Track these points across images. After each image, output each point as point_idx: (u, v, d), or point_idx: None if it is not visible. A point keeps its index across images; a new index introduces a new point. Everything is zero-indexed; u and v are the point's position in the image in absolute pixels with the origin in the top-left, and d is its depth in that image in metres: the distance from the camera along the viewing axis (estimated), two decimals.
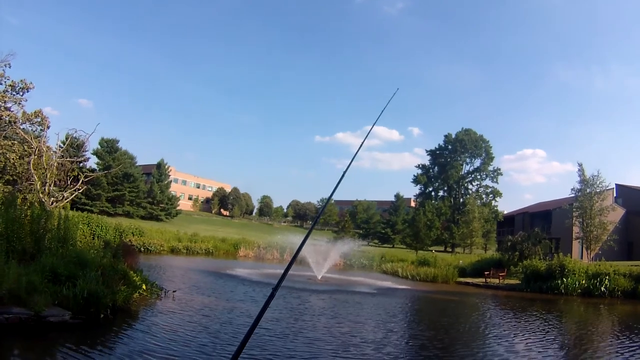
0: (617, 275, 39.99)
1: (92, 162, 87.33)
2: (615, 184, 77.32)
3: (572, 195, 59.39)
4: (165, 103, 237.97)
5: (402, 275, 52.23)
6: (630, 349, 18.09)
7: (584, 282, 40.13)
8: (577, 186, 57.55)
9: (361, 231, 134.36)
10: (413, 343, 18.13)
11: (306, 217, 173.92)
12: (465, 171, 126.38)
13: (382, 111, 7.11)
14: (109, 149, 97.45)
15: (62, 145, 33.88)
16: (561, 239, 68.70)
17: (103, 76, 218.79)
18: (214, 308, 20.75)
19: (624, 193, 78.26)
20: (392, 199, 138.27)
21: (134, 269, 22.44)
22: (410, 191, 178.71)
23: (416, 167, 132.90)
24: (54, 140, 37.20)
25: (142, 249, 49.96)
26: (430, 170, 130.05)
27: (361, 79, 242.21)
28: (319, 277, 41.05)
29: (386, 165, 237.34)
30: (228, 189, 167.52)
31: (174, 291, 23.37)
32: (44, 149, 30.18)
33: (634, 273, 40.03)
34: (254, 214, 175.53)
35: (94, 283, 15.87)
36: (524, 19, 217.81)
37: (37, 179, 28.34)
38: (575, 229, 61.06)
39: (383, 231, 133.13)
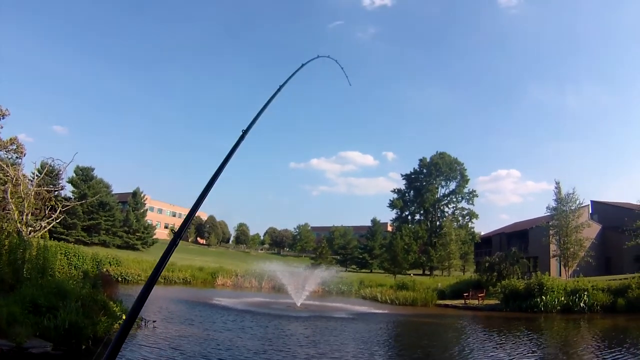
0: (595, 290, 40.37)
1: (68, 191, 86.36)
2: (591, 201, 78.22)
3: (548, 213, 59.94)
4: (140, 130, 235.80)
5: (382, 300, 52.20)
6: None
7: (563, 298, 40.45)
8: (553, 204, 58.13)
9: (339, 257, 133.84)
10: None
11: (283, 244, 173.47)
12: (441, 194, 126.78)
13: (295, 72, 6.96)
14: (84, 177, 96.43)
15: (38, 173, 33.56)
16: (539, 258, 69.07)
17: (78, 103, 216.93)
18: (194, 338, 20.59)
19: (600, 209, 79.05)
20: (369, 224, 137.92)
21: (113, 299, 22.26)
22: (387, 215, 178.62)
23: (392, 191, 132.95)
24: (29, 168, 36.74)
25: (120, 279, 49.46)
26: (406, 194, 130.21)
27: (335, 104, 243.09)
28: (299, 304, 40.96)
29: (362, 190, 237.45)
30: (204, 217, 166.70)
31: (153, 321, 23.12)
32: (21, 177, 29.94)
33: (613, 287, 40.45)
34: (230, 242, 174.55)
35: (74, 314, 15.73)
36: (496, 41, 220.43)
37: (14, 208, 28.07)
38: (553, 247, 61.53)
39: (361, 256, 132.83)
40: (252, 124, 5.08)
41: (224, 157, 4.62)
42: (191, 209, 4.07)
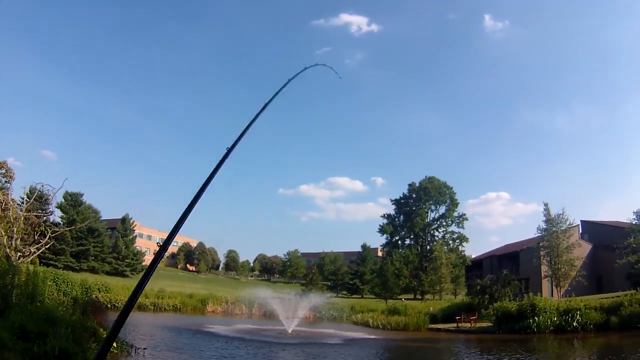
0: (588, 309, 40.24)
1: (57, 216, 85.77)
2: (581, 220, 78.36)
3: (539, 234, 60.14)
4: (130, 156, 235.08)
5: (373, 325, 52.05)
6: None
7: (555, 319, 40.28)
8: (543, 225, 58.34)
9: (329, 283, 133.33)
10: None
11: (273, 270, 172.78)
12: (431, 218, 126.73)
13: (282, 88, 6.95)
14: (73, 202, 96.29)
15: (27, 198, 33.34)
16: (530, 279, 69.08)
17: (67, 128, 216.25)
18: None
19: (590, 228, 79.26)
20: (359, 249, 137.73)
21: (103, 326, 22.00)
22: (377, 241, 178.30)
23: (381, 216, 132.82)
24: (18, 192, 36.44)
25: (109, 306, 49.00)
26: (396, 219, 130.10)
27: (323, 130, 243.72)
28: (290, 331, 40.74)
29: (351, 215, 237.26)
30: (194, 244, 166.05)
31: (144, 348, 22.88)
32: (10, 202, 29.71)
33: (605, 305, 40.36)
34: (220, 268, 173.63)
35: (64, 340, 15.54)
36: (484, 65, 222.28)
37: (3, 233, 27.80)
38: (544, 268, 61.55)
39: (351, 282, 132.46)
40: (237, 142, 5.08)
41: (208, 174, 4.64)
42: (176, 223, 4.02)
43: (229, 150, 4.91)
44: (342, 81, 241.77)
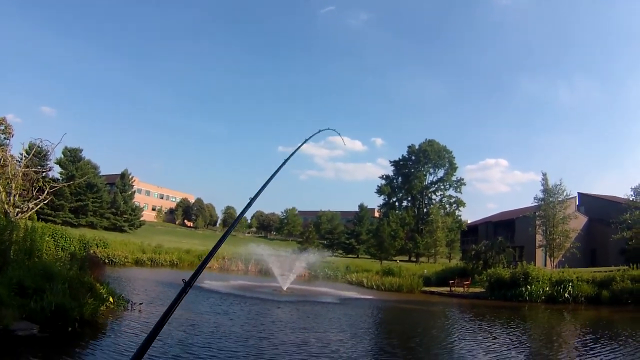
0: (580, 281, 40.54)
1: (55, 172, 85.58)
2: (578, 193, 78.71)
3: (535, 203, 60.24)
4: (129, 112, 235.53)
5: (368, 286, 52.42)
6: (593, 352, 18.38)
7: (547, 289, 40.64)
8: (540, 195, 58.44)
9: (325, 242, 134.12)
10: (382, 354, 18.24)
11: (270, 227, 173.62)
12: (429, 181, 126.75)
13: (301, 145, 7.17)
14: (72, 158, 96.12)
15: (26, 154, 33.35)
16: (525, 247, 69.59)
17: (66, 85, 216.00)
18: (182, 320, 20.54)
19: (586, 201, 79.68)
20: (356, 209, 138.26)
21: (100, 281, 22.20)
22: (374, 201, 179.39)
23: (380, 177, 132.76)
24: (17, 149, 36.38)
25: (107, 261, 49.27)
26: (394, 181, 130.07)
27: (325, 89, 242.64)
28: (285, 288, 40.98)
29: (349, 175, 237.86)
30: (192, 200, 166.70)
31: (140, 303, 23.04)
32: (9, 158, 29.69)
33: (597, 279, 40.66)
34: (217, 224, 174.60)
35: (61, 296, 15.69)
36: (489, 33, 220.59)
37: (1, 189, 27.80)
38: (539, 237, 61.95)
39: (347, 242, 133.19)
40: (259, 194, 5.24)
41: (231, 224, 4.87)
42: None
43: (252, 200, 5.07)
44: (345, 42, 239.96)
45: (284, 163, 6.14)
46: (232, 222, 4.64)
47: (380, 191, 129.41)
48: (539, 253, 64.76)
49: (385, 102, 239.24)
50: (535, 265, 49.56)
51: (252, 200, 5.06)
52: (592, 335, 24.13)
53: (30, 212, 28.49)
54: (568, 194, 58.55)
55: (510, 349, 19.52)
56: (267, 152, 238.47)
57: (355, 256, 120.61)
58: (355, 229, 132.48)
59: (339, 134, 8.93)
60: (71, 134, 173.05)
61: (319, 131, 7.89)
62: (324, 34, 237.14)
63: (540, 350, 20.31)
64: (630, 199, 52.87)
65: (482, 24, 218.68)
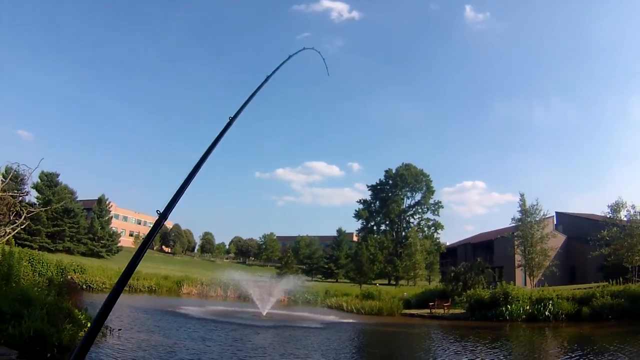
0: (560, 299, 40.74)
1: (32, 196, 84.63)
2: (555, 212, 79.62)
3: (513, 224, 60.60)
4: (106, 138, 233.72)
5: (347, 310, 52.24)
6: None
7: (528, 307, 40.78)
8: (518, 215, 58.71)
9: (304, 267, 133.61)
10: None
11: (249, 253, 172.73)
12: (407, 205, 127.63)
13: (282, 64, 7.08)
14: (49, 183, 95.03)
15: (3, 178, 32.97)
16: (504, 268, 69.81)
17: (43, 109, 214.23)
18: (159, 346, 20.27)
19: (564, 220, 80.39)
20: (335, 234, 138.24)
21: (78, 307, 21.90)
22: (352, 226, 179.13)
23: (357, 202, 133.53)
24: None
25: (85, 287, 48.80)
26: (372, 205, 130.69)
27: (301, 115, 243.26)
28: (264, 313, 40.76)
29: (327, 200, 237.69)
30: (169, 226, 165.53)
31: (119, 329, 22.77)
32: None
33: (577, 296, 40.97)
34: (195, 250, 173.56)
35: (39, 321, 15.41)
36: (463, 56, 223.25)
37: None
38: (518, 257, 62.18)
39: (326, 266, 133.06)
40: (239, 112, 5.13)
41: (209, 144, 4.66)
42: (177, 191, 3.98)
43: (232, 120, 4.94)
44: (320, 67, 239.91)
45: (265, 80, 6.08)
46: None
47: (358, 215, 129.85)
48: (519, 273, 64.98)
49: (361, 127, 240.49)
50: (515, 284, 49.66)
51: (232, 119, 4.95)
52: (579, 351, 24.17)
53: (7, 237, 28.09)
54: (545, 213, 59.03)
55: None
56: (244, 178, 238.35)
57: (335, 280, 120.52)
58: (334, 254, 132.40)
59: (319, 52, 9.00)
60: (48, 159, 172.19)
61: (303, 49, 8.31)
62: (300, 59, 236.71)
63: None
64: (608, 216, 53.32)
65: (456, 47, 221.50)
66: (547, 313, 39.65)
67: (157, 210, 3.78)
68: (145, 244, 3.60)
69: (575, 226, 75.23)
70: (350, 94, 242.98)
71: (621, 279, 43.38)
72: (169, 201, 3.84)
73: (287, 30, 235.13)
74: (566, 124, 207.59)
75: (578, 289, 45.34)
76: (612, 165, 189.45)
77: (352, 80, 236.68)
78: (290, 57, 7.39)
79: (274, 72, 6.60)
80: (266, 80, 6.08)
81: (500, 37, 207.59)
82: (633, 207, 52.37)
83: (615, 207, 52.94)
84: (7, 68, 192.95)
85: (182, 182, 4.05)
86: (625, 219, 52.56)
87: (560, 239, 70.73)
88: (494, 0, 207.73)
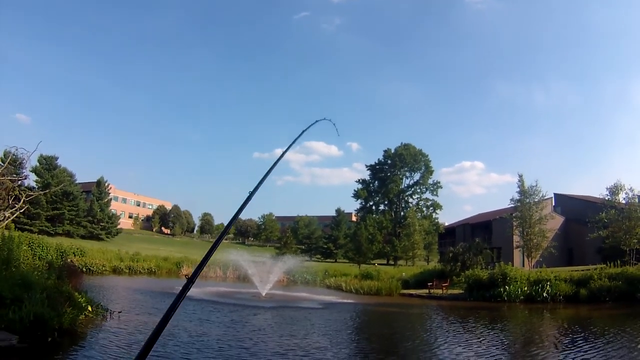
0: (558, 280, 40.89)
1: (31, 180, 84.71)
2: (554, 194, 79.55)
3: (512, 205, 60.69)
4: (104, 120, 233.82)
5: (346, 290, 52.31)
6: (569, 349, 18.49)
7: (526, 288, 40.92)
8: (517, 196, 58.89)
9: (303, 247, 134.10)
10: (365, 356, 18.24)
11: (248, 233, 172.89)
12: (405, 185, 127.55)
13: (299, 136, 7.19)
14: (47, 166, 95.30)
15: (1, 162, 32.96)
16: (502, 249, 69.99)
17: (41, 92, 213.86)
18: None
19: (563, 202, 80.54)
20: (333, 214, 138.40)
21: (78, 290, 22.00)
22: (351, 206, 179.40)
23: (356, 181, 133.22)
24: None
25: (84, 270, 48.89)
26: (371, 185, 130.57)
27: (300, 94, 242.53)
28: (263, 294, 40.81)
29: (326, 180, 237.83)
30: (169, 207, 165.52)
31: (119, 312, 22.87)
32: None
33: (575, 278, 41.14)
34: (195, 231, 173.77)
35: (39, 306, 15.48)
36: (463, 36, 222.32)
37: None
38: (516, 238, 62.40)
39: (325, 246, 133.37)
40: (258, 187, 5.22)
41: (230, 218, 4.82)
42: (202, 260, 4.01)
43: (251, 195, 5.02)
44: (319, 46, 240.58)
45: (281, 156, 6.13)
46: (224, 228, 4.58)
47: (357, 195, 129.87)
48: (517, 254, 65.21)
49: (360, 106, 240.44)
50: (513, 265, 49.88)
51: (252, 194, 5.03)
52: (579, 333, 24.29)
53: (6, 221, 28.09)
54: (544, 195, 59.09)
55: (500, 350, 19.63)
56: (243, 158, 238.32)
57: (334, 260, 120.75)
58: (333, 234, 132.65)
59: (334, 124, 9.15)
60: (46, 142, 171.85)
61: (316, 122, 8.34)
62: (298, 39, 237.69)
63: (533, 350, 20.34)
64: (606, 198, 53.34)
65: (457, 27, 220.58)
66: (544, 294, 39.81)
67: (185, 275, 3.83)
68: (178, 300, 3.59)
69: (573, 208, 75.36)
70: (349, 73, 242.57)
71: (619, 262, 43.49)
72: (196, 267, 3.85)
73: (286, 10, 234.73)
74: (565, 105, 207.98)
75: (576, 270, 45.52)
76: (610, 148, 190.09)
77: (350, 59, 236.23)
78: (303, 132, 7.64)
79: (289, 146, 6.90)
80: (282, 155, 6.15)
81: (500, 17, 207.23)
82: (631, 189, 52.51)
83: (614, 190, 52.98)
84: (4, 52, 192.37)
85: (206, 253, 4.05)
86: (623, 201, 52.64)
87: (558, 221, 70.87)
88: None
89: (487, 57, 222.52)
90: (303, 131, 7.37)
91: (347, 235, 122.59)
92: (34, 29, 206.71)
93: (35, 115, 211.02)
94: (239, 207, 4.81)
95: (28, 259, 24.71)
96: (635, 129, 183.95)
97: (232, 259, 60.28)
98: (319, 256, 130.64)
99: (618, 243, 49.64)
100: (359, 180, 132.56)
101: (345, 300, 41.54)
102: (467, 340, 22.14)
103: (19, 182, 34.03)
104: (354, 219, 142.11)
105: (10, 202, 29.41)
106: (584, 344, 20.33)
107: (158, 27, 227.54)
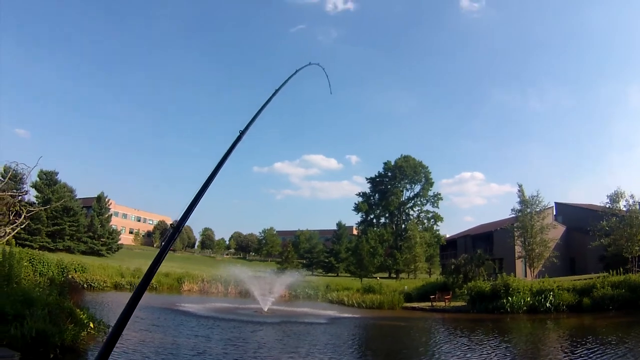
0: (561, 290, 40.72)
1: (31, 195, 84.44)
2: (555, 202, 79.63)
3: (513, 215, 60.67)
4: (104, 135, 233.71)
5: (348, 304, 52.24)
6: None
7: (529, 299, 40.77)
8: (517, 206, 58.87)
9: (305, 261, 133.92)
10: None
11: (249, 248, 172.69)
12: (406, 197, 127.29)
13: (290, 78, 7.19)
14: (48, 181, 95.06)
15: (2, 178, 32.92)
16: (504, 259, 69.76)
17: (39, 106, 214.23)
18: (160, 345, 20.26)
19: (564, 211, 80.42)
20: (334, 227, 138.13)
21: (80, 306, 21.86)
22: (352, 219, 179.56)
23: (357, 195, 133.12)
24: None
25: (85, 286, 48.78)
26: (371, 198, 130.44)
27: (298, 107, 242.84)
28: (265, 309, 40.66)
29: (326, 194, 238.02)
30: (169, 222, 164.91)
31: None
32: None
33: (578, 287, 40.96)
34: (196, 247, 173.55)
35: (41, 322, 15.39)
36: (459, 45, 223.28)
37: None
38: (518, 249, 62.25)
39: (327, 260, 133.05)
40: (249, 125, 5.19)
41: (220, 158, 4.75)
42: (185, 210, 4.05)
43: (242, 133, 5.00)
44: (315, 58, 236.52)
45: (274, 94, 6.13)
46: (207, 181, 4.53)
47: (357, 209, 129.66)
48: (519, 264, 65.02)
49: (359, 119, 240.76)
50: (515, 276, 49.68)
51: (242, 133, 5.00)
52: (584, 343, 24.13)
53: (7, 237, 28.02)
54: (545, 204, 59.12)
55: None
56: (242, 172, 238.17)
57: (335, 274, 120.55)
58: (334, 248, 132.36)
59: (323, 69, 9.10)
60: (46, 157, 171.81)
61: (309, 64, 8.32)
62: (295, 51, 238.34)
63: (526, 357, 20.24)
64: (607, 206, 53.28)
65: (451, 36, 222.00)
66: (548, 304, 39.64)
67: (170, 224, 3.88)
68: (161, 254, 3.65)
69: (574, 217, 75.23)
70: (346, 85, 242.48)
71: (621, 269, 43.33)
72: (182, 213, 3.90)
73: (282, 22, 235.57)
74: (562, 113, 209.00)
75: (578, 279, 45.40)
76: (609, 151, 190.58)
77: (348, 70, 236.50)
78: (297, 71, 7.63)
79: (281, 86, 6.82)
80: (274, 94, 6.16)
81: (494, 25, 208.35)
82: (632, 196, 52.44)
83: (614, 197, 52.96)
84: (3, 65, 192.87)
85: (195, 194, 4.12)
86: (624, 208, 52.58)
87: (560, 230, 70.74)
88: None
89: (483, 65, 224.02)
90: (297, 70, 7.44)
91: (348, 249, 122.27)
92: (32, 42, 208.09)
93: (34, 129, 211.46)
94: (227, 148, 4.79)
95: (29, 275, 24.64)
96: (632, 132, 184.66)
97: (233, 275, 60.15)
98: (320, 270, 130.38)
99: (620, 251, 49.53)
100: (360, 193, 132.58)
101: (348, 315, 41.39)
102: (470, 351, 22.00)
103: (20, 197, 33.99)
104: (355, 232, 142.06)
105: (11, 217, 29.37)
106: (590, 353, 20.21)
107: (155, 40, 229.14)
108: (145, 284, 3.43)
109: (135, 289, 3.30)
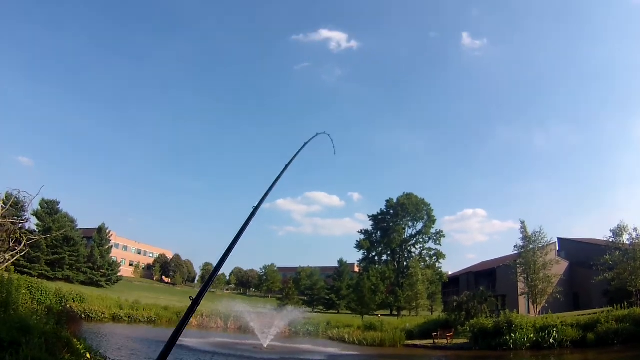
0: (564, 326, 40.16)
1: (32, 223, 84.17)
2: (558, 238, 79.24)
3: (515, 252, 60.43)
4: (106, 166, 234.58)
5: (349, 341, 51.79)
6: None
7: (532, 335, 40.21)
8: (520, 243, 58.71)
9: (305, 298, 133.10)
10: None
11: (249, 284, 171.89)
12: (408, 235, 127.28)
13: (299, 151, 7.20)
14: (49, 210, 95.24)
15: (4, 205, 32.78)
16: (507, 296, 69.26)
17: (45, 136, 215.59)
18: None
19: (567, 246, 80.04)
20: (336, 264, 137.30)
21: (77, 336, 21.58)
22: (354, 256, 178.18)
23: (358, 232, 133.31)
24: None
25: (83, 316, 48.57)
26: (373, 235, 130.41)
27: (301, 144, 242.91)
28: (265, 345, 40.36)
29: (328, 230, 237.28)
30: (169, 256, 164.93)
31: None
32: None
33: (582, 322, 40.38)
34: (196, 281, 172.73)
35: (37, 350, 15.10)
36: (461, 82, 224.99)
37: None
38: (521, 285, 61.89)
39: (328, 297, 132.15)
40: (262, 201, 5.17)
41: (236, 232, 4.81)
42: (208, 278, 4.09)
43: (255, 209, 5.01)
44: (319, 96, 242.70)
45: (284, 169, 6.06)
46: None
47: (359, 246, 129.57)
48: (522, 300, 64.56)
49: (361, 156, 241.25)
50: (518, 312, 49.27)
51: (256, 209, 4.95)
52: None
53: (6, 264, 27.79)
54: (548, 240, 58.89)
55: None
56: (245, 209, 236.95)
57: (336, 312, 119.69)
58: (335, 285, 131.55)
59: (331, 139, 9.16)
60: (48, 186, 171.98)
61: (316, 134, 8.65)
62: (299, 89, 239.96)
63: None
64: (610, 240, 52.96)
65: (455, 74, 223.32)
66: (551, 340, 39.10)
67: (190, 297, 3.92)
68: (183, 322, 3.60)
69: (578, 252, 74.83)
70: (349, 123, 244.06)
71: (626, 303, 42.88)
72: (200, 289, 3.88)
73: (286, 60, 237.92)
74: (566, 149, 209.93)
75: (582, 314, 44.87)
76: (613, 186, 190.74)
77: (351, 109, 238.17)
78: (305, 144, 8.03)
79: (291, 160, 7.14)
80: (285, 169, 6.21)
81: (497, 63, 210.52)
82: (635, 230, 52.07)
83: (618, 231, 52.61)
84: (6, 95, 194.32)
85: (213, 269, 4.13)
86: (628, 242, 52.21)
87: (563, 265, 70.35)
88: (491, 27, 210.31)
89: (486, 102, 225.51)
90: (305, 143, 7.36)
91: (349, 286, 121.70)
92: (36, 73, 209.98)
93: (38, 158, 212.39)
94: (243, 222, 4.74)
95: (27, 303, 24.44)
96: (636, 166, 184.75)
97: (233, 310, 59.75)
98: (321, 307, 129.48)
99: (624, 285, 49.05)
100: (361, 230, 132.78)
101: (349, 352, 41.06)
102: None
103: (20, 225, 33.82)
104: (356, 269, 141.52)
105: (11, 244, 29.16)
106: None
107: (158, 76, 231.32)
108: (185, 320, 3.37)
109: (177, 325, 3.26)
